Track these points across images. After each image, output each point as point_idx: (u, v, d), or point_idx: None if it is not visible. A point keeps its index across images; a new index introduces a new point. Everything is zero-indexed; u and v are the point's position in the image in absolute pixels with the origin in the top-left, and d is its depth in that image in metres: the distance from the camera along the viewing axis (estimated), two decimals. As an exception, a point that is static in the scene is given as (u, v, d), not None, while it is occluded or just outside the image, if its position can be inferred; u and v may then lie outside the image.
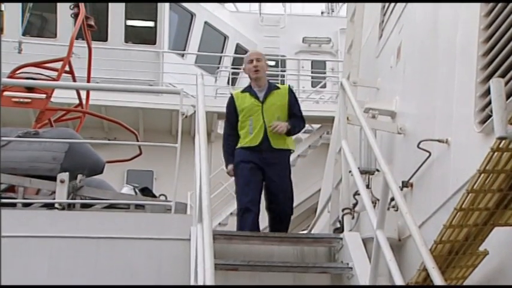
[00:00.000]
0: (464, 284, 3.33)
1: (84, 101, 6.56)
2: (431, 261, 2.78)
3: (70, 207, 4.57)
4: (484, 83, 3.33)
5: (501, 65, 3.19)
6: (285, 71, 13.60)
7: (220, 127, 11.92)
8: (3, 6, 8.98)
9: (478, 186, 2.87)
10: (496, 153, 2.74)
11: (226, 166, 4.88)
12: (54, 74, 6.10)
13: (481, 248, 3.16)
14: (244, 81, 14.15)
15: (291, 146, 4.84)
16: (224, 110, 12.01)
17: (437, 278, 2.64)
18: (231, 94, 4.92)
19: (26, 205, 4.56)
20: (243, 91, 4.86)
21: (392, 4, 5.30)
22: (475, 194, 2.91)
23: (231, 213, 10.63)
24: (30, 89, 5.66)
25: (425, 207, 3.90)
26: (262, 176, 4.68)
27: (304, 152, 11.39)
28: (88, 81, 6.75)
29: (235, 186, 4.88)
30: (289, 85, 4.97)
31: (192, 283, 3.55)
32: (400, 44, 4.98)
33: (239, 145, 4.76)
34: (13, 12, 11.61)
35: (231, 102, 4.84)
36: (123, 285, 3.99)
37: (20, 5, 11.93)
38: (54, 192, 4.54)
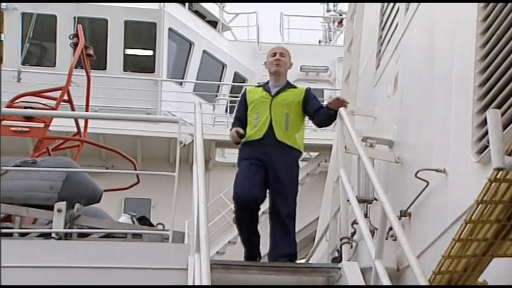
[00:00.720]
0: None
1: (82, 130, 6.57)
2: (431, 293, 2.76)
3: (67, 236, 4.53)
4: (480, 113, 3.35)
5: (497, 95, 3.21)
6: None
7: (218, 155, 11.96)
8: (3, 36, 9.06)
9: (476, 217, 2.87)
10: (493, 184, 2.75)
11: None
12: (52, 102, 6.13)
13: (480, 279, 3.14)
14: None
15: (299, 146, 4.57)
16: (222, 138, 12.03)
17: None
18: (245, 89, 4.87)
19: (23, 235, 4.53)
20: (259, 86, 4.80)
21: (390, 34, 5.37)
22: (473, 225, 2.90)
23: (229, 242, 10.59)
24: (28, 118, 5.67)
25: (424, 236, 3.89)
26: (266, 175, 4.45)
27: (302, 180, 11.35)
28: (86, 110, 6.77)
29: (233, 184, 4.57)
30: (308, 87, 4.76)
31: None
32: (397, 73, 5.02)
33: (243, 140, 4.60)
34: (13, 42, 11.71)
35: (243, 95, 4.77)
36: (123, 285, 3.94)
37: (20, 34, 12.04)
38: (51, 221, 4.51)
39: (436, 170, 3.81)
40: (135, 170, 6.63)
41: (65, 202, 4.57)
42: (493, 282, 3.11)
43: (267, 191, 4.54)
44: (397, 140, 4.82)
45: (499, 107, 3.09)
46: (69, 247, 4.29)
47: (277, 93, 4.59)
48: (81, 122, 6.69)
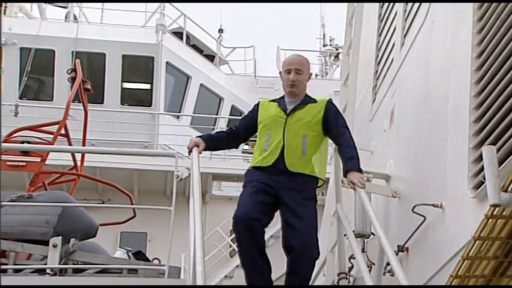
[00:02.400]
0: None
1: (79, 163, 6.56)
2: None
3: (62, 272, 4.48)
4: (476, 148, 3.36)
5: (493, 131, 3.22)
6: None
7: (215, 188, 11.92)
8: (2, 70, 9.11)
9: (473, 253, 2.86)
10: (490, 220, 2.74)
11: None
12: (49, 137, 6.13)
13: (480, 316, 3.10)
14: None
15: (318, 173, 3.76)
16: (219, 171, 11.91)
17: None
18: (258, 102, 4.10)
19: (17, 270, 4.48)
20: (273, 100, 4.02)
21: (385, 68, 5.42)
22: (471, 261, 2.89)
23: (225, 276, 10.48)
24: (25, 153, 5.67)
25: (422, 272, 3.86)
26: (276, 203, 3.72)
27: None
28: (83, 144, 6.78)
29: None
30: (329, 99, 3.98)
31: None
32: (393, 107, 5.05)
33: (250, 165, 3.94)
34: (11, 76, 11.79)
35: (254, 109, 4.03)
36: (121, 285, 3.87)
37: (18, 68, 12.13)
38: (46, 257, 4.47)
39: (433, 205, 3.80)
40: (132, 204, 6.60)
41: (60, 237, 4.53)
42: (493, 320, 3.07)
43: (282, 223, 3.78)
44: (393, 174, 4.82)
45: (494, 142, 3.10)
46: (64, 283, 4.24)
47: (293, 110, 3.86)
48: (78, 156, 6.68)
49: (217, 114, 13.40)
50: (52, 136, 6.06)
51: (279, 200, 3.73)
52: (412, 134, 4.59)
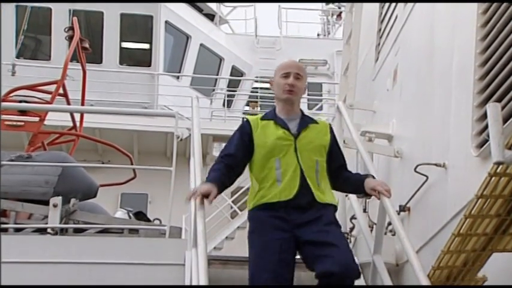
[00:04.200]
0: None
1: (78, 124, 6.52)
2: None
3: (63, 232, 4.50)
4: (480, 107, 3.32)
5: (498, 89, 3.18)
6: (280, 93, 13.61)
7: (215, 150, 11.90)
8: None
9: (475, 212, 2.84)
10: (493, 178, 2.72)
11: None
12: (47, 96, 6.07)
13: (480, 274, 3.12)
14: (240, 103, 14.20)
15: (334, 201, 3.21)
16: (220, 132, 11.72)
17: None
18: (245, 119, 3.28)
19: (18, 230, 4.49)
20: (264, 118, 3.23)
21: (389, 26, 5.32)
22: (473, 219, 2.87)
23: (226, 237, 10.55)
24: (23, 112, 5.62)
25: (423, 231, 3.86)
26: (295, 250, 3.03)
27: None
28: (82, 104, 6.73)
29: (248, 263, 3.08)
30: (329, 124, 3.37)
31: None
32: (397, 66, 4.98)
33: (255, 202, 3.09)
34: (7, 35, 11.62)
35: (244, 129, 3.18)
36: (121, 285, 3.90)
37: (14, 27, 11.95)
38: (46, 216, 4.48)
39: (436, 165, 3.78)
40: (132, 164, 6.59)
41: (60, 197, 4.53)
42: (493, 277, 3.08)
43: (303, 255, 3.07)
44: (396, 134, 4.78)
45: (499, 100, 3.06)
46: (65, 242, 4.25)
47: (299, 130, 3.17)
48: (77, 116, 6.64)
49: (217, 75, 13.27)
50: (50, 96, 6.00)
51: (299, 240, 3.01)
52: (415, 93, 4.53)
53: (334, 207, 3.16)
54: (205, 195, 3.02)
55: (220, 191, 3.08)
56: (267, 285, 2.91)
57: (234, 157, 3.13)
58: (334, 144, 3.25)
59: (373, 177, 3.25)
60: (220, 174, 3.09)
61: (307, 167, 3.09)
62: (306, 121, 3.23)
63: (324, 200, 3.09)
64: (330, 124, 3.35)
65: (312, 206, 3.04)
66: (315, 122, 3.26)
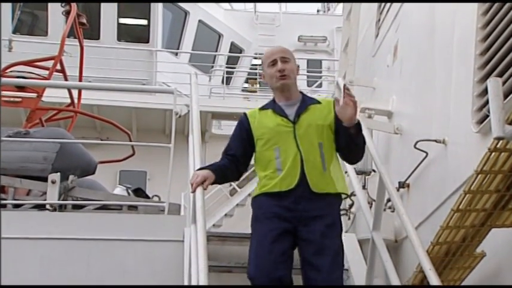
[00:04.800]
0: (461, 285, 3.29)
1: (76, 101, 6.48)
2: (428, 263, 2.74)
3: (61, 208, 4.50)
4: (481, 82, 3.29)
5: (499, 64, 3.14)
6: (279, 70, 13.53)
7: (214, 127, 11.88)
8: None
9: (475, 187, 2.83)
10: (493, 154, 2.70)
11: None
12: (45, 72, 6.02)
13: (478, 250, 3.12)
14: (239, 80, 14.13)
15: (341, 189, 3.04)
16: (219, 109, 11.61)
17: (434, 280, 2.60)
18: (243, 114, 3.17)
19: (17, 206, 4.49)
20: (263, 108, 3.14)
21: (389, 2, 5.26)
22: (472, 195, 2.86)
23: (226, 215, 10.58)
24: (20, 88, 5.58)
25: (422, 208, 3.86)
26: (294, 240, 2.96)
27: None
28: (80, 80, 6.67)
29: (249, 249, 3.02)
30: (335, 98, 3.09)
31: (186, 284, 3.50)
32: (397, 42, 4.93)
33: (258, 191, 3.04)
34: (3, 10, 11.49)
35: (242, 124, 3.11)
36: (120, 285, 3.92)
37: (10, 2, 11.82)
38: (45, 193, 4.47)
39: (436, 141, 3.76)
40: (130, 141, 6.57)
41: (59, 173, 4.52)
42: (492, 253, 3.09)
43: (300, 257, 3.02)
44: (396, 110, 4.75)
45: (500, 75, 3.03)
46: (64, 219, 4.26)
47: (298, 115, 3.03)
48: (75, 93, 6.59)
49: (216, 51, 13.17)
50: (47, 72, 5.95)
51: (297, 235, 2.95)
52: (415, 69, 4.50)
53: (340, 197, 3.05)
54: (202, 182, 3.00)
55: (219, 180, 3.08)
56: (260, 282, 2.87)
57: (234, 154, 3.09)
58: (339, 120, 2.98)
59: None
60: (220, 165, 3.08)
61: (309, 152, 2.95)
62: (305, 103, 3.07)
63: (325, 188, 2.93)
64: (334, 100, 3.05)
65: (311, 197, 2.92)
66: (316, 102, 3.10)
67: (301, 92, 3.13)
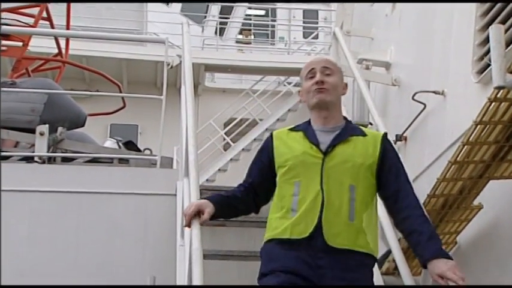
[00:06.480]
0: (457, 238, 3.27)
1: (63, 51, 6.29)
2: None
3: (50, 160, 4.41)
4: (483, 30, 3.20)
5: (501, 11, 3.05)
6: (275, 21, 13.28)
7: (208, 80, 11.70)
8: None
9: (473, 138, 2.78)
10: (493, 104, 2.64)
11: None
12: (31, 20, 5.82)
13: (476, 202, 3.10)
14: (233, 31, 13.86)
15: (372, 250, 2.32)
16: (212, 61, 11.37)
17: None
18: (270, 133, 2.52)
19: (4, 158, 4.39)
20: (294, 128, 2.47)
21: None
22: (471, 147, 2.82)
23: (219, 169, 10.53)
24: (5, 37, 5.38)
25: (420, 160, 3.82)
26: None
27: (295, 106, 11.22)
28: (67, 29, 6.47)
29: None
30: (385, 132, 2.50)
31: (178, 239, 3.47)
32: (396, -9, 4.78)
33: (269, 234, 2.36)
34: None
35: (266, 146, 2.47)
36: (120, 285, 3.87)
37: None
38: (33, 145, 4.37)
39: (434, 92, 3.70)
40: (121, 93, 6.43)
41: (47, 125, 4.41)
42: (489, 205, 3.06)
43: None
44: (394, 61, 4.66)
45: (502, 23, 2.93)
46: (53, 171, 4.18)
47: (332, 145, 2.36)
48: (62, 43, 6.39)
49: (209, 1, 12.86)
50: (33, 20, 5.74)
51: None
52: (415, 18, 4.38)
53: (373, 257, 2.31)
54: (197, 213, 2.40)
55: (224, 214, 2.46)
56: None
57: (252, 182, 2.47)
58: (387, 161, 2.35)
59: (446, 252, 2.25)
60: (229, 195, 2.45)
61: (334, 194, 2.27)
62: (346, 132, 2.38)
63: (346, 243, 2.25)
64: (384, 134, 2.44)
65: (328, 251, 2.23)
66: (361, 133, 2.40)
67: (345, 118, 2.45)
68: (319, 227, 2.25)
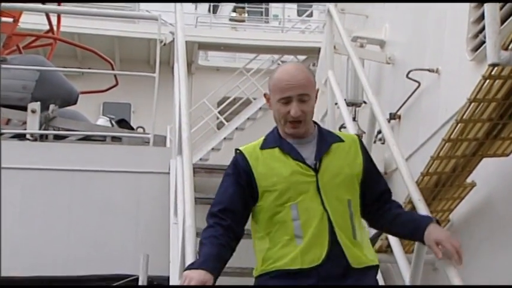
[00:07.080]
0: (450, 216, 3.28)
1: (55, 28, 6.21)
2: (418, 193, 2.69)
3: (42, 138, 4.39)
4: (478, 7, 3.17)
5: (498, -12, 3.00)
6: (269, -1, 13.18)
7: (201, 58, 11.61)
8: None
9: (467, 116, 2.77)
10: (487, 81, 2.62)
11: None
12: (22, -4, 5.73)
13: (469, 180, 3.10)
14: (227, 9, 13.73)
15: (374, 260, 2.20)
16: (205, 39, 11.30)
17: (423, 210, 2.56)
18: (238, 151, 2.21)
19: (-4, 135, 4.37)
20: (264, 146, 2.18)
21: None
22: (465, 124, 2.80)
23: (213, 149, 10.53)
24: (-5, 13, 5.31)
25: (413, 139, 3.81)
26: None
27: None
28: (59, 5, 6.37)
29: None
30: (357, 135, 2.45)
31: (171, 217, 3.47)
32: (391, -33, 4.73)
33: (266, 267, 2.11)
34: None
35: (239, 170, 2.16)
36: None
37: None
38: (25, 122, 4.35)
39: (429, 70, 3.67)
40: (113, 71, 6.38)
41: (39, 103, 4.38)
42: (482, 183, 3.06)
43: None
44: (389, 39, 4.61)
45: (498, 0, 2.90)
46: (46, 149, 4.16)
47: (320, 159, 2.15)
48: (54, 20, 6.30)
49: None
50: (24, -4, 5.66)
51: None
52: (409, -5, 4.32)
53: (377, 269, 2.21)
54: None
55: (218, 274, 2.07)
56: None
57: (233, 212, 2.12)
58: (368, 165, 2.23)
59: (437, 221, 2.24)
60: (218, 250, 2.06)
61: (338, 212, 2.10)
62: (325, 141, 2.18)
63: (363, 262, 2.11)
64: (358, 136, 2.34)
65: (350, 273, 2.08)
66: (338, 139, 2.22)
67: (314, 122, 2.21)
68: (332, 250, 2.07)
